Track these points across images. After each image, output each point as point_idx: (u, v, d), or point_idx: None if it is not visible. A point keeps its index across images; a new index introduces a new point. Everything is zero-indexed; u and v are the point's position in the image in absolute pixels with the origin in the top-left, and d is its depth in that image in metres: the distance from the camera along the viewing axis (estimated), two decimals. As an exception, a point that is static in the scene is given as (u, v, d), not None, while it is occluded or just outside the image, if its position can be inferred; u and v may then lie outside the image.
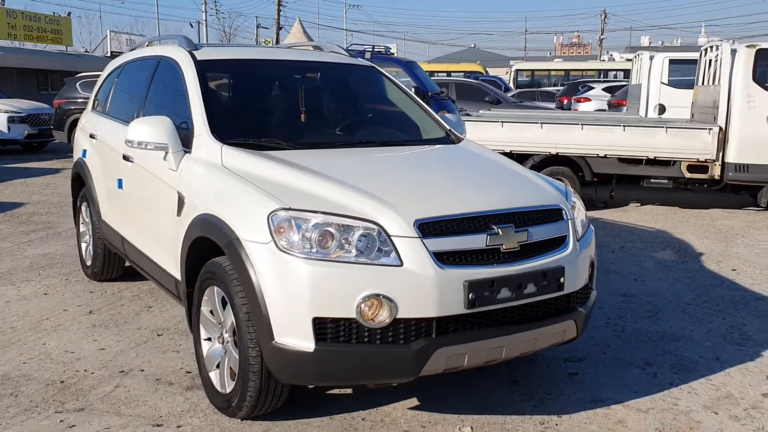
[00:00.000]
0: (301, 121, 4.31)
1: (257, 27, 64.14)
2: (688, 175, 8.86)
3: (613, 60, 38.99)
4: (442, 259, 2.95)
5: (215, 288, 3.36)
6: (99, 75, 16.90)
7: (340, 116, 4.52)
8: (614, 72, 34.48)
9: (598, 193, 9.27)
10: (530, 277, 3.09)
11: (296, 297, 2.90)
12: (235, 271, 3.12)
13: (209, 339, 3.56)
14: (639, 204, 9.86)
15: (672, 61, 11.93)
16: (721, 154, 8.70)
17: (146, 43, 5.47)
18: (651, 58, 12.04)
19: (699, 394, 3.78)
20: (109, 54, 35.89)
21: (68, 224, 7.93)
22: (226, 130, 3.77)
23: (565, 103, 23.47)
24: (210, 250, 3.45)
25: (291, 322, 2.93)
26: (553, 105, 22.96)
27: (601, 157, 8.98)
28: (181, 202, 3.69)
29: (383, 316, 2.87)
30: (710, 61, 9.64)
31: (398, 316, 2.88)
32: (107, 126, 5.18)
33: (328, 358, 2.92)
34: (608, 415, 3.51)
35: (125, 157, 4.51)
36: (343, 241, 2.95)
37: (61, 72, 27.94)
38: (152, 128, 3.78)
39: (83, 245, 5.85)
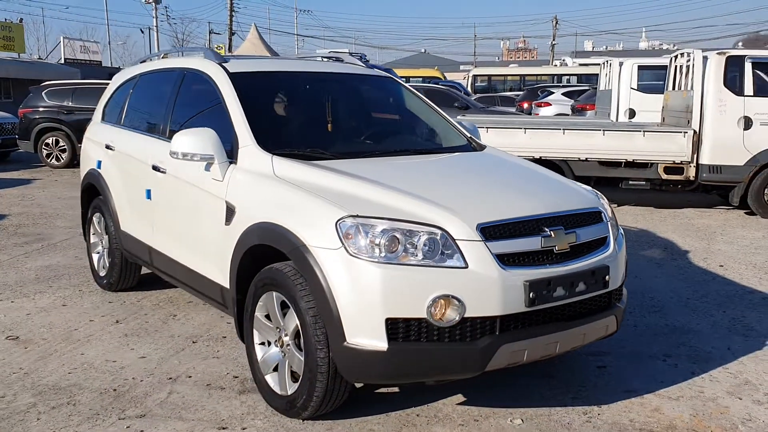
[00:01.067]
0: (338, 131, 4.47)
1: (210, 33, 63.69)
2: (664, 176, 9.27)
3: (566, 65, 39.87)
4: (504, 260, 3.14)
5: (274, 293, 3.48)
6: (66, 83, 16.59)
7: (372, 126, 4.69)
8: (567, 77, 35.37)
9: (579, 195, 9.58)
10: (581, 276, 3.31)
11: (369, 299, 3.05)
12: (303, 276, 3.25)
13: (263, 343, 3.67)
14: (616, 205, 10.24)
15: (640, 67, 12.41)
16: (695, 156, 9.14)
17: (162, 55, 5.53)
18: (620, 64, 12.51)
19: (720, 381, 4.05)
20: (63, 61, 35.27)
21: (60, 236, 7.90)
22: (271, 142, 3.89)
23: (525, 107, 24.02)
24: (261, 257, 3.58)
25: (363, 323, 3.07)
26: (513, 109, 23.44)
27: (583, 160, 9.33)
28: (230, 211, 3.80)
29: (452, 316, 3.05)
30: (679, 67, 10.10)
31: (465, 315, 3.06)
32: (127, 138, 5.23)
33: (399, 357, 3.07)
34: (644, 404, 3.75)
35: (155, 168, 4.58)
36: (409, 245, 3.11)
37: (14, 80, 27.32)
38: (198, 140, 3.88)
39: (95, 256, 5.86)
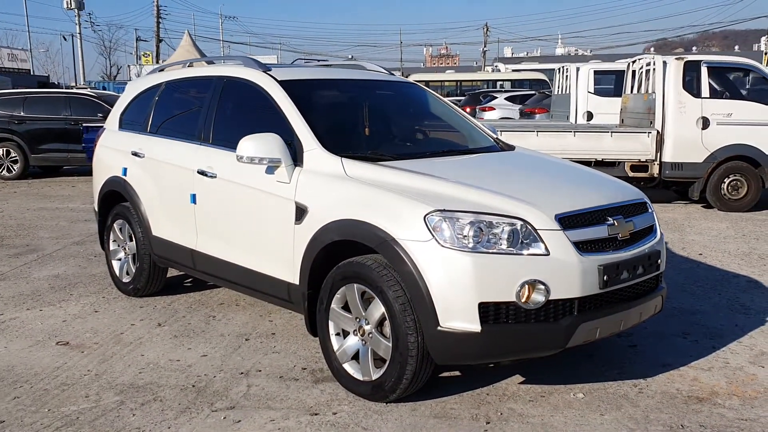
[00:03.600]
0: (387, 134, 4.74)
1: (137, 40, 62.37)
2: (630, 174, 9.88)
3: (499, 71, 41.01)
4: (580, 247, 3.48)
5: (354, 285, 3.72)
6: (17, 92, 16.10)
7: (413, 128, 4.98)
8: (501, 82, 36.41)
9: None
10: (641, 260, 3.69)
11: (462, 286, 3.32)
12: (389, 268, 3.51)
13: (338, 334, 3.90)
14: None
15: (596, 72, 13.10)
16: (658, 154, 9.78)
17: (188, 64, 5.65)
18: (578, 69, 13.17)
19: (739, 353, 4.51)
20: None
21: (51, 246, 7.83)
22: (334, 145, 4.11)
23: (468, 111, 24.70)
24: (332, 253, 3.83)
25: (457, 308, 3.34)
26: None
27: (556, 160, 9.82)
28: (300, 211, 4.00)
29: (538, 299, 3.36)
30: (636, 71, 10.77)
31: (550, 298, 3.38)
32: (160, 144, 5.31)
33: (491, 337, 3.36)
34: (683, 375, 4.15)
35: (201, 173, 4.72)
36: (492, 235, 3.41)
37: (-58, 90, 26.12)
38: (264, 144, 4.06)
39: (116, 263, 5.90)
